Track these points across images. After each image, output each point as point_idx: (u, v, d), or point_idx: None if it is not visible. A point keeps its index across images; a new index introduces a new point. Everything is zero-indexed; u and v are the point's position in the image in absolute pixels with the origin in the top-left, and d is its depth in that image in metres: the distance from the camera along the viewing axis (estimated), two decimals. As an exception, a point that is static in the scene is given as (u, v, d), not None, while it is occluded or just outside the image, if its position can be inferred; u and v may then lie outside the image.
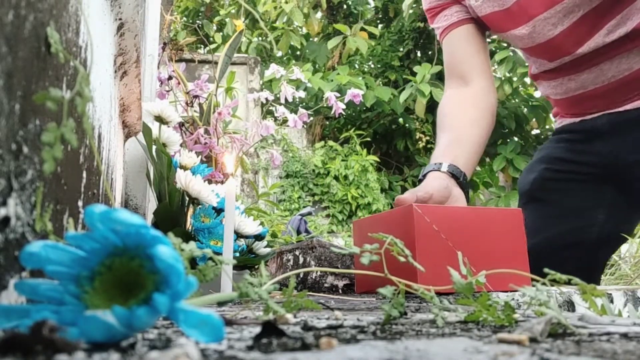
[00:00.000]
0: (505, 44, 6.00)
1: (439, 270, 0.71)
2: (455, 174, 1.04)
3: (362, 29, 6.36)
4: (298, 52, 7.79)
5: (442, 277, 0.68)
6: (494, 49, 6.08)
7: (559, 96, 1.27)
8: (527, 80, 6.02)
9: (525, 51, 1.24)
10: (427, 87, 5.58)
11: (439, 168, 1.05)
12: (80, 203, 0.56)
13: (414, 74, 5.89)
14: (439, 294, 0.70)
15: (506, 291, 0.81)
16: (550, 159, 1.32)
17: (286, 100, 1.64)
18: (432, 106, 5.97)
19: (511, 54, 5.70)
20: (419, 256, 0.75)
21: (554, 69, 1.21)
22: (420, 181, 1.07)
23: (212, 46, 5.87)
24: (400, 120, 6.53)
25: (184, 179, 1.04)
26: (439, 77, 5.85)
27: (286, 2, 5.93)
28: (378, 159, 6.13)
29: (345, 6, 7.21)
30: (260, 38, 7.07)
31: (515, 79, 5.92)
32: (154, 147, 1.12)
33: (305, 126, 6.21)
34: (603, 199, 1.26)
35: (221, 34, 6.22)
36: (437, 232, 0.78)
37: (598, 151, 1.24)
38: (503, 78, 5.78)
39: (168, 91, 1.61)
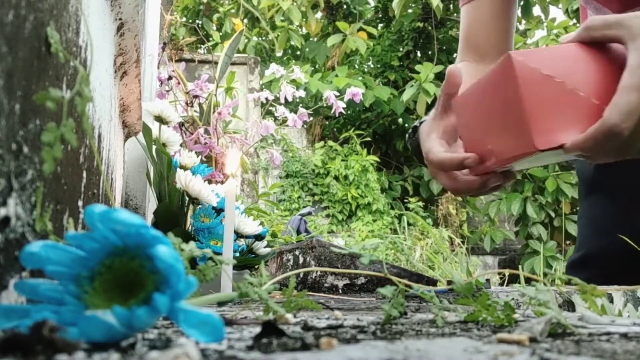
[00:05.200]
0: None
1: (560, 119, 0.58)
2: None
3: (362, 29, 6.36)
4: (298, 52, 7.79)
5: (564, 125, 0.58)
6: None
7: None
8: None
9: None
10: (432, 86, 5.56)
11: None
12: (80, 203, 0.56)
13: (414, 73, 5.89)
14: None
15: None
16: None
17: (286, 100, 1.64)
18: (431, 106, 5.97)
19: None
20: (530, 110, 0.59)
21: None
22: (411, 135, 0.87)
23: (210, 43, 5.86)
24: (400, 120, 6.53)
25: (184, 179, 1.04)
26: (439, 78, 5.84)
27: (283, 0, 5.92)
28: (378, 159, 6.13)
29: (345, 6, 7.21)
30: (260, 38, 7.07)
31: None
32: (154, 147, 1.13)
33: (305, 126, 6.22)
34: None
35: (220, 34, 6.22)
36: (548, 78, 0.60)
37: None
38: None
39: (168, 91, 1.61)
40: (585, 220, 1.14)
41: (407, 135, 0.88)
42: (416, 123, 0.85)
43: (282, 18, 6.25)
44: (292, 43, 6.34)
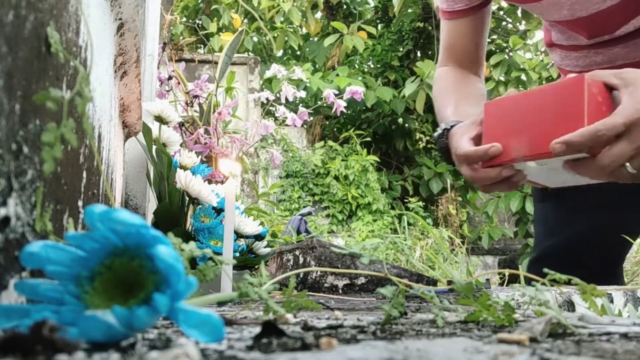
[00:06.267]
0: (501, 46, 6.00)
1: None
2: None
3: (361, 29, 6.36)
4: (298, 52, 7.79)
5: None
6: (493, 48, 6.08)
7: (579, 68, 1.14)
8: (523, 77, 6.00)
9: (558, 24, 1.10)
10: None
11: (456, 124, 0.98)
12: (80, 203, 0.56)
13: (413, 74, 5.89)
14: None
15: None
16: None
17: (286, 99, 1.64)
18: (431, 106, 5.96)
19: (506, 57, 5.71)
20: (588, 122, 0.74)
21: (586, 45, 1.09)
22: (440, 136, 0.99)
23: (205, 32, 5.83)
24: (400, 120, 6.53)
25: (184, 179, 1.04)
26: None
27: (284, 1, 5.92)
28: (378, 159, 6.12)
29: (344, 6, 7.21)
30: (258, 37, 7.06)
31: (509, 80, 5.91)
32: (154, 147, 1.12)
33: (305, 126, 6.21)
34: (635, 188, 1.17)
35: (221, 33, 6.22)
36: (601, 104, 0.75)
37: None
38: (497, 80, 5.77)
39: (168, 91, 1.61)
40: (539, 224, 1.29)
41: (436, 134, 1.01)
42: (446, 126, 0.98)
43: (282, 19, 6.25)
44: (291, 44, 6.32)
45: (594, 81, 0.76)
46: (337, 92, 1.64)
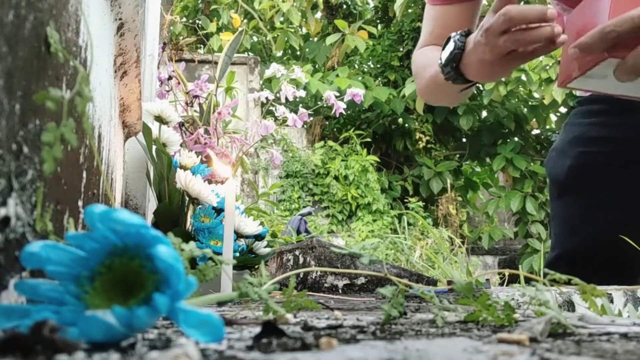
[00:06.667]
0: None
1: None
2: None
3: (362, 29, 6.36)
4: (298, 52, 7.79)
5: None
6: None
7: None
8: (523, 77, 6.00)
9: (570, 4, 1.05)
10: None
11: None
12: (80, 203, 0.56)
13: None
14: None
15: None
16: (586, 140, 1.15)
17: (286, 99, 1.64)
18: (431, 106, 5.96)
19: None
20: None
21: None
22: (462, 34, 0.92)
23: (204, 31, 5.83)
24: (400, 120, 6.53)
25: (184, 179, 1.04)
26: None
27: (283, 1, 5.92)
28: (378, 159, 6.13)
29: (344, 6, 7.21)
30: (257, 37, 7.06)
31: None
32: (154, 147, 1.13)
33: (305, 126, 6.21)
34: None
35: (220, 32, 6.21)
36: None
37: None
38: (497, 80, 5.76)
39: (168, 91, 1.61)
40: (558, 221, 1.22)
41: (454, 35, 0.91)
42: (456, 35, 0.90)
43: (282, 19, 6.25)
44: (291, 44, 6.33)
45: None
46: (337, 94, 1.64)
